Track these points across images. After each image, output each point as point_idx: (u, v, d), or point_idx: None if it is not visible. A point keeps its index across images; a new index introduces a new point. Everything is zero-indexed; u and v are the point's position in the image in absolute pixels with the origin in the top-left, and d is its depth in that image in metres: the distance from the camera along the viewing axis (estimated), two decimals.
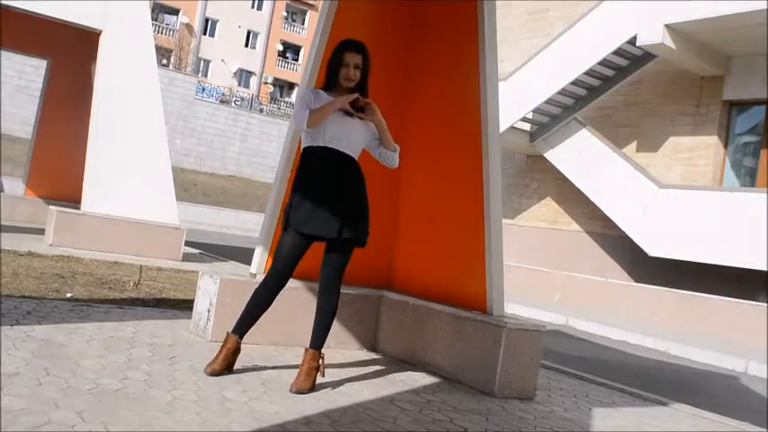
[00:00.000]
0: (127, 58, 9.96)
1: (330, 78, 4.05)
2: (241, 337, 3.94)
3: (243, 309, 4.00)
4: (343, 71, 3.98)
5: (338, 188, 3.92)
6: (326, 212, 3.87)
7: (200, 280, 4.91)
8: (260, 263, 4.98)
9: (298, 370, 3.87)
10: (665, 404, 5.23)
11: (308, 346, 3.93)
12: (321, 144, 3.94)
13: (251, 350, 4.56)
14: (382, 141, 4.12)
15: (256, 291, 3.99)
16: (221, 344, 3.92)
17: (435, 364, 4.94)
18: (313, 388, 3.81)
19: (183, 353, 4.20)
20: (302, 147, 4.07)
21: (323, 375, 3.92)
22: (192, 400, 3.26)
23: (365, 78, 4.09)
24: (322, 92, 4.04)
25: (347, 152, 3.98)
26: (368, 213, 4.09)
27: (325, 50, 5.05)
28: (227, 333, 3.94)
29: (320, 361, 3.90)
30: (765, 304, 11.76)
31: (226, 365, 3.85)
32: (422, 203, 5.50)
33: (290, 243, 3.93)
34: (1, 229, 9.68)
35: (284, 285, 4.00)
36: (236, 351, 3.92)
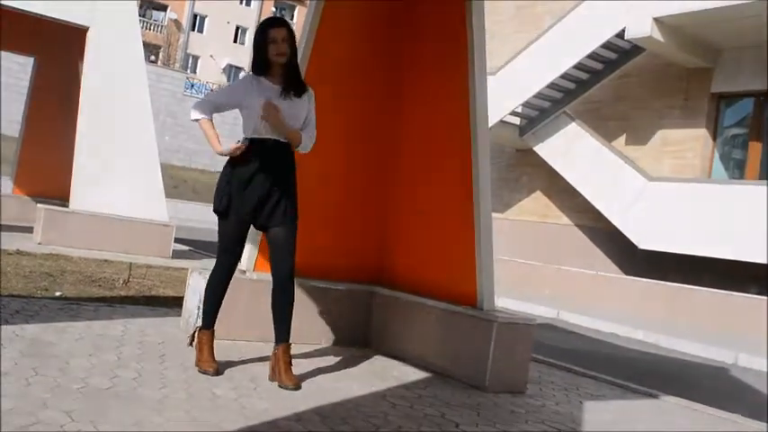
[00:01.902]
0: (114, 55, 9.91)
1: (260, 61, 3.95)
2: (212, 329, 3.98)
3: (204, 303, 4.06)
4: (272, 48, 3.87)
5: (271, 176, 3.89)
6: (257, 200, 3.88)
7: (190, 277, 4.90)
8: (250, 259, 4.96)
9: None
10: (654, 396, 5.25)
11: (287, 342, 3.92)
12: (253, 135, 3.94)
13: (241, 347, 4.55)
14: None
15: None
16: (198, 344, 3.93)
17: (426, 360, 4.94)
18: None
19: (173, 351, 4.19)
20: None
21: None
22: (182, 397, 3.25)
23: (296, 56, 4.00)
24: (264, 80, 3.95)
25: (276, 138, 3.92)
26: (296, 196, 4.01)
27: (312, 48, 5.04)
28: (201, 330, 3.96)
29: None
30: (755, 296, 11.81)
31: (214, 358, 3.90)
32: (411, 199, 5.49)
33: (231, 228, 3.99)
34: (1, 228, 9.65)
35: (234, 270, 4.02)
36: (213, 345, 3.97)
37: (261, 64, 3.95)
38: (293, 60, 3.97)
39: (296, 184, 4.01)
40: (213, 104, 4.03)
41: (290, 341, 3.93)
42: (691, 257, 13.40)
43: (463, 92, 5.01)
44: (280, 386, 3.76)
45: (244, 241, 4.04)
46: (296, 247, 3.96)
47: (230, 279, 4.03)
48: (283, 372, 3.81)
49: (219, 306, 4.03)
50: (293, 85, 3.94)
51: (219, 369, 3.83)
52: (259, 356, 4.35)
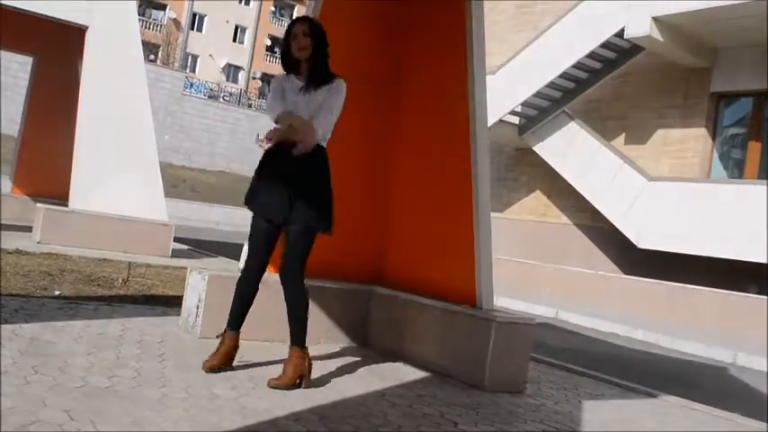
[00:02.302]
0: (114, 54, 9.89)
1: (287, 59, 3.99)
2: (238, 331, 3.98)
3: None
4: (294, 43, 3.91)
5: (290, 175, 3.85)
6: (277, 199, 3.86)
7: (189, 276, 4.89)
8: None
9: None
10: (654, 396, 5.25)
11: (291, 344, 3.93)
12: None
13: (240, 346, 4.55)
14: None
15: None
16: (219, 342, 3.96)
17: (425, 359, 4.94)
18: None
19: (172, 350, 4.19)
20: None
21: (307, 380, 3.91)
22: (182, 397, 3.25)
23: (321, 49, 3.96)
24: (293, 78, 3.98)
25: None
26: (325, 198, 3.95)
27: None
28: (225, 330, 3.97)
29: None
30: (754, 296, 11.81)
31: (225, 361, 3.89)
32: (411, 198, 5.49)
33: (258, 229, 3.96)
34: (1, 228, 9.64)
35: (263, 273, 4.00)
36: (236, 347, 3.97)
37: (287, 61, 4.00)
38: (318, 54, 3.94)
39: (326, 188, 3.94)
40: (276, 102, 3.97)
41: (297, 343, 3.91)
42: (690, 257, 13.40)
43: (462, 91, 5.01)
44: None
45: (270, 249, 3.97)
46: (305, 248, 3.89)
47: (256, 286, 3.99)
48: (287, 373, 3.83)
49: (244, 311, 4.00)
50: (314, 80, 3.92)
51: (215, 369, 3.82)
52: (258, 356, 4.35)
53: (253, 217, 3.96)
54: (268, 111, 4.04)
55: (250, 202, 3.95)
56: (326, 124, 3.93)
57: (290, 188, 3.83)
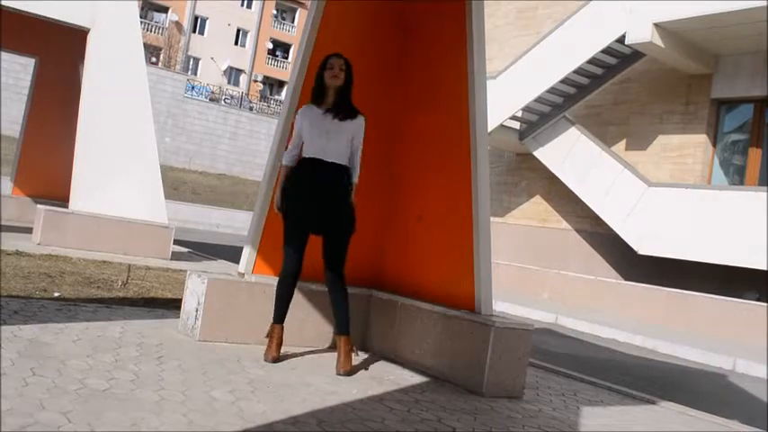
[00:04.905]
0: (115, 57, 9.91)
1: (317, 87, 4.50)
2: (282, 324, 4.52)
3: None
4: (328, 72, 4.43)
5: (321, 189, 4.42)
6: (315, 209, 4.43)
7: (188, 279, 4.89)
8: (248, 262, 4.97)
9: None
10: (653, 402, 5.25)
11: (346, 334, 4.49)
12: (310, 155, 4.45)
13: (238, 349, 4.55)
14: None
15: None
16: (269, 335, 4.47)
17: (424, 364, 4.94)
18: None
19: (171, 353, 4.19)
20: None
21: (356, 354, 4.64)
22: (180, 400, 3.25)
23: (350, 83, 4.51)
24: (314, 107, 4.48)
25: (330, 160, 4.44)
26: (352, 206, 4.55)
27: (313, 50, 5.05)
28: (272, 324, 4.49)
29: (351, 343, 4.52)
30: (754, 302, 11.81)
31: (280, 351, 4.43)
32: (411, 203, 5.49)
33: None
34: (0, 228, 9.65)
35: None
36: (282, 339, 4.50)
37: (316, 90, 4.50)
38: (347, 87, 4.49)
39: (349, 196, 4.53)
40: (297, 148, 4.56)
41: (348, 334, 4.49)
42: (690, 263, 13.41)
43: (463, 95, 5.02)
44: (337, 374, 4.30)
45: (303, 249, 4.46)
46: (346, 251, 4.52)
47: (294, 283, 4.51)
48: (341, 360, 4.36)
49: (286, 305, 4.52)
50: (341, 108, 4.45)
51: (278, 359, 4.38)
52: (256, 359, 4.36)
53: (290, 225, 4.46)
54: (287, 154, 4.59)
55: (285, 211, 4.47)
56: (359, 163, 4.60)
57: (326, 199, 4.40)
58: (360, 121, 4.52)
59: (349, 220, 4.50)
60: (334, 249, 4.48)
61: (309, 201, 4.39)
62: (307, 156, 4.44)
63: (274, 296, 4.52)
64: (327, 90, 4.46)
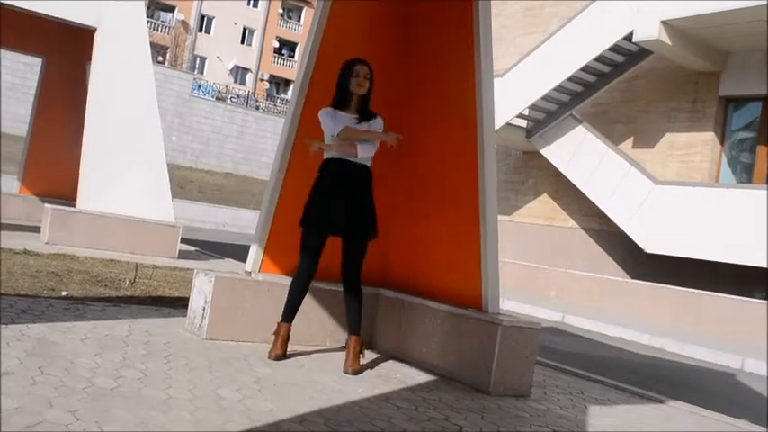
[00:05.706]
0: (122, 56, 9.92)
1: (341, 95, 4.54)
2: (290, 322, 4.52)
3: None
4: (354, 80, 4.49)
5: (346, 191, 4.46)
6: (335, 212, 4.44)
7: (196, 278, 4.90)
8: (255, 260, 4.97)
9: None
10: (661, 401, 5.23)
11: (356, 334, 4.53)
12: (337, 156, 4.50)
13: (245, 348, 4.56)
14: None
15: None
16: (275, 333, 4.46)
17: (431, 362, 4.94)
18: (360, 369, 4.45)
19: (178, 351, 4.19)
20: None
21: (363, 356, 4.57)
22: (187, 398, 3.25)
23: (371, 92, 4.59)
24: (338, 112, 4.51)
25: (357, 162, 4.48)
26: (374, 210, 4.57)
27: (319, 49, 5.04)
28: (278, 322, 4.47)
29: (361, 344, 4.54)
30: (762, 301, 11.77)
31: (285, 349, 4.44)
32: (417, 201, 5.48)
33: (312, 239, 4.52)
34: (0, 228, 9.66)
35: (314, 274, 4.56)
36: (288, 337, 4.50)
37: (340, 95, 4.54)
38: (369, 95, 4.58)
39: (372, 200, 4.55)
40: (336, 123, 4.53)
41: (359, 333, 4.53)
42: (698, 261, 13.37)
43: (470, 94, 5.00)
44: (344, 372, 4.32)
45: (320, 251, 4.51)
46: (365, 254, 4.56)
47: (308, 284, 4.55)
48: (349, 359, 4.41)
49: (297, 304, 4.54)
50: (366, 116, 4.55)
51: (282, 357, 4.39)
52: (263, 358, 4.36)
53: (308, 228, 4.47)
54: (331, 128, 4.48)
55: (306, 220, 4.47)
56: (371, 150, 4.55)
57: (347, 203, 4.43)
58: (380, 122, 4.59)
59: (372, 223, 4.54)
60: (354, 251, 4.53)
61: (335, 201, 4.42)
62: (333, 157, 4.50)
63: (287, 294, 4.53)
64: (352, 96, 4.53)
